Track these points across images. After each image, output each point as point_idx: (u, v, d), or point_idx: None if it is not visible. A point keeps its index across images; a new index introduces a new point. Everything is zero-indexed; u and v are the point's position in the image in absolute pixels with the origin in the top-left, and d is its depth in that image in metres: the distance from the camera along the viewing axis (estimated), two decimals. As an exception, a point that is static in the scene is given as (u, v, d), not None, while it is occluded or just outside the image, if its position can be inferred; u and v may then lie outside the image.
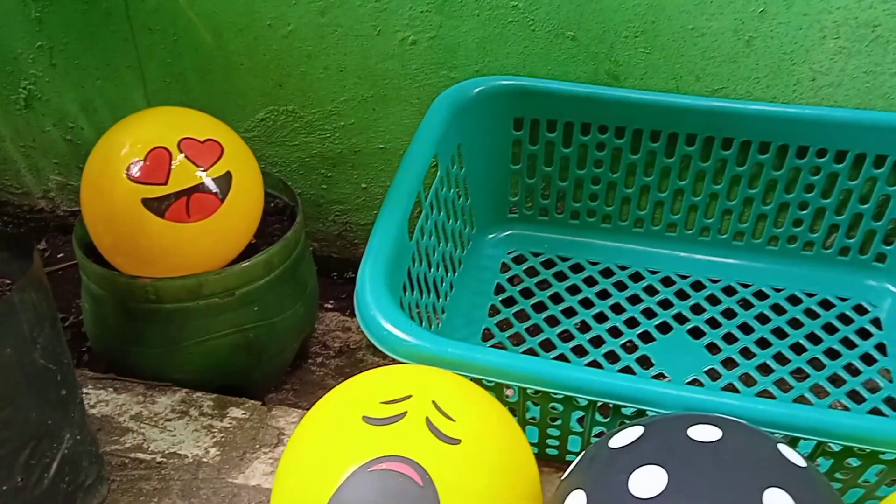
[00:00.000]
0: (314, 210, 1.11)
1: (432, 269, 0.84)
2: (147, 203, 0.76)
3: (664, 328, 0.89)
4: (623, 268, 0.95)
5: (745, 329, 0.88)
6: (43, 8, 1.03)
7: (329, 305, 1.11)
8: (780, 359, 0.85)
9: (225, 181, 0.79)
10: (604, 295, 0.93)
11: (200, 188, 0.77)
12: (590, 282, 0.94)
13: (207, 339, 0.85)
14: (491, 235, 0.99)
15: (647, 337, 0.88)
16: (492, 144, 0.93)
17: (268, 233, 0.94)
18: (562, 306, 0.91)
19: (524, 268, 0.96)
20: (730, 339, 0.87)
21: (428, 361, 0.61)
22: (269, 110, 1.02)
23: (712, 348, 0.86)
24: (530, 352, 0.86)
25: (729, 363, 0.85)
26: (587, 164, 0.93)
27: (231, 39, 0.97)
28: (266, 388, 0.96)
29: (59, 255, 1.22)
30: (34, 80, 1.09)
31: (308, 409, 0.57)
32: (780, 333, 0.87)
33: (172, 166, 0.76)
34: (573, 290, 0.93)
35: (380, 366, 0.61)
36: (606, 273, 0.95)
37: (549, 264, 0.97)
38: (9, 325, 0.63)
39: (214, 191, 0.78)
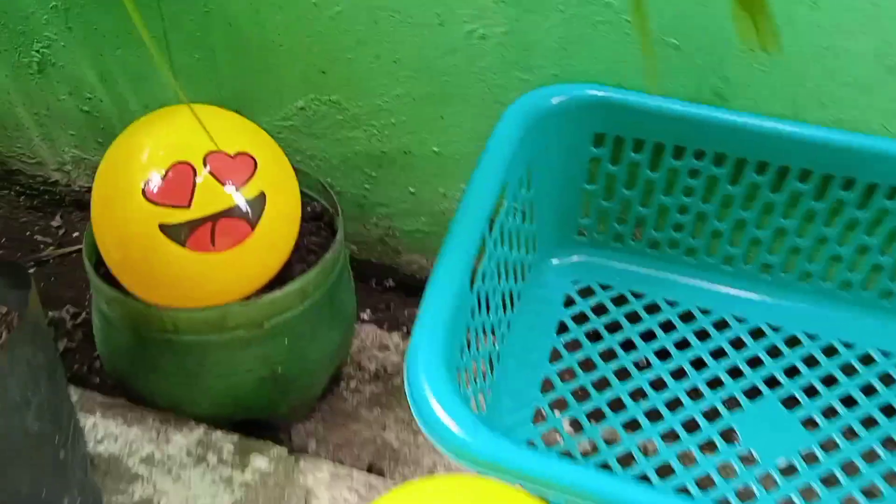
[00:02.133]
0: (355, 211, 0.99)
1: (491, 314, 0.72)
2: (165, 229, 0.65)
3: (752, 393, 0.77)
4: (706, 312, 0.83)
5: (848, 402, 0.76)
6: None
7: (365, 317, 1.01)
8: (891, 444, 0.73)
9: (257, 204, 0.68)
10: (683, 345, 0.81)
11: (228, 213, 0.66)
12: (667, 327, 0.82)
13: (230, 374, 0.75)
14: (555, 261, 0.87)
15: (732, 402, 0.76)
16: (565, 160, 0.80)
17: (302, 246, 0.82)
18: (633, 356, 0.80)
19: (591, 304, 0.84)
20: (830, 413, 0.75)
21: (485, 468, 0.50)
22: (309, 99, 0.90)
23: (810, 423, 0.75)
24: (597, 414, 0.75)
25: (830, 445, 0.73)
26: (675, 191, 0.80)
27: (269, 16, 0.84)
28: (293, 418, 0.86)
29: (75, 235, 1.12)
30: (48, 43, 0.97)
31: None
32: (889, 411, 0.75)
33: (196, 185, 0.65)
34: (647, 335, 0.81)
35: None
36: (686, 317, 0.83)
37: (620, 301, 0.84)
38: (-5, 392, 0.53)
39: (244, 215, 0.67)
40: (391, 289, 1.05)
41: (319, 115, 0.91)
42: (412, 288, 1.04)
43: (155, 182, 0.64)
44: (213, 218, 0.65)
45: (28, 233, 1.12)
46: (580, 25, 0.74)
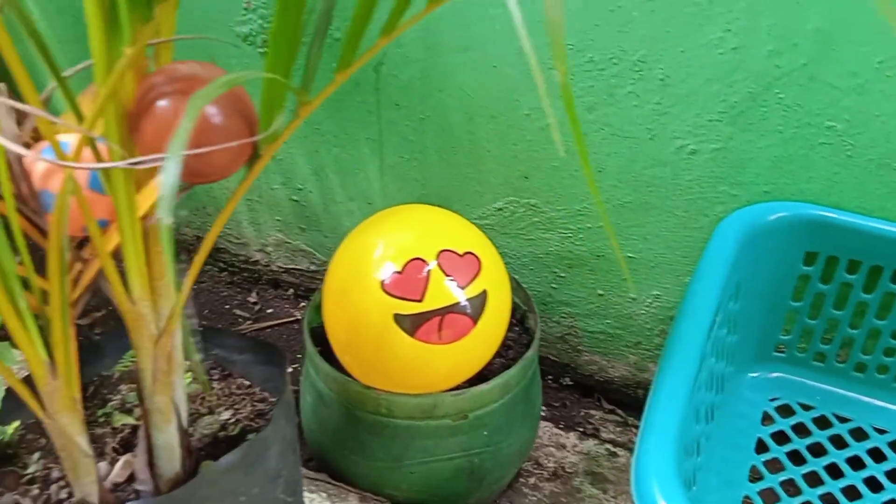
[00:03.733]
0: (538, 307, 1.01)
1: (699, 425, 0.72)
2: (398, 319, 0.69)
3: (981, 538, 0.71)
4: (920, 443, 0.79)
5: None
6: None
7: (542, 413, 1.02)
8: None
9: (480, 301, 0.72)
10: (896, 477, 0.77)
11: (455, 308, 0.70)
12: (877, 455, 0.78)
13: (431, 461, 0.77)
14: (752, 375, 0.86)
15: (957, 546, 0.71)
16: (773, 276, 0.80)
17: (499, 340, 0.85)
18: (842, 483, 0.76)
19: (791, 422, 0.82)
20: None
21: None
22: (509, 201, 0.95)
23: None
24: (805, 541, 0.72)
25: None
26: (890, 315, 0.78)
27: (482, 125, 0.90)
28: (477, 510, 0.87)
29: (269, 311, 1.21)
30: (271, 138, 1.08)
31: None
32: None
33: (429, 282, 0.69)
34: (855, 462, 0.78)
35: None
36: (898, 447, 0.79)
37: (823, 423, 0.82)
38: (259, 462, 0.57)
39: (469, 311, 0.71)
40: (567, 387, 1.05)
41: (516, 217, 0.95)
42: (589, 388, 1.05)
43: (392, 275, 0.70)
44: (442, 312, 0.70)
45: (227, 306, 1.21)
46: (798, 146, 0.75)
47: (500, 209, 0.96)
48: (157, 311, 0.54)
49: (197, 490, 0.54)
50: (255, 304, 1.22)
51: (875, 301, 0.78)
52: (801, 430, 0.81)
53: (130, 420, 0.67)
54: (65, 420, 0.52)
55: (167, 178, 0.28)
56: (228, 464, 0.54)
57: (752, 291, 0.80)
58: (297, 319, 1.18)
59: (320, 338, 0.80)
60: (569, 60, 0.81)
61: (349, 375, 0.76)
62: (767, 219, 0.76)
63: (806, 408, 0.83)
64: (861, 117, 0.71)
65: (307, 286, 1.22)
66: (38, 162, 0.50)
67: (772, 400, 0.84)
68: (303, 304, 1.22)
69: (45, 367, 0.49)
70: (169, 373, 0.55)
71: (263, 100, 0.44)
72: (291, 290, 1.23)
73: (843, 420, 0.82)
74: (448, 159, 0.95)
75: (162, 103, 0.44)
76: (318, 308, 0.89)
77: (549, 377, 1.07)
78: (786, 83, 0.73)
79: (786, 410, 0.83)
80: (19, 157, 0.48)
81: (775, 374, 0.86)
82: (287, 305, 1.21)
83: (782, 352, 0.86)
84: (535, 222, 0.95)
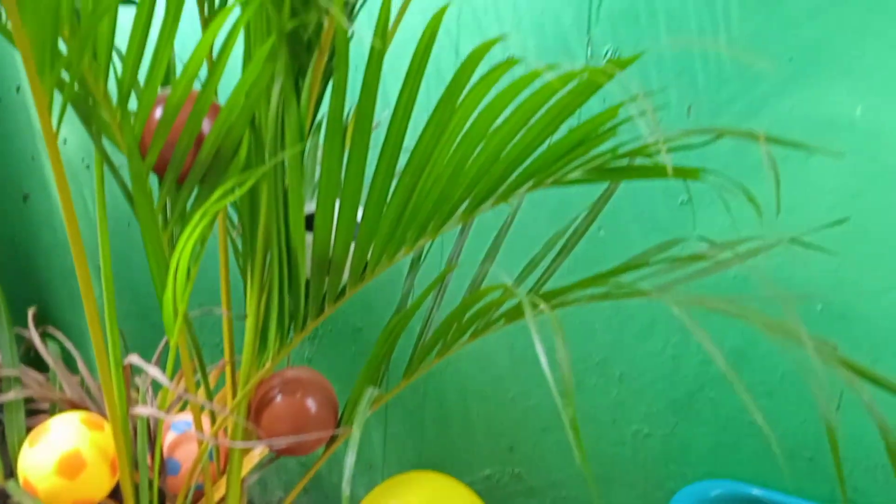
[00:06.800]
0: (519, 571, 1.13)
1: None
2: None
3: None
4: None
5: None
6: (314, 340, 1.21)
7: None
8: None
9: (478, 559, 0.85)
10: None
11: (458, 565, 0.84)
12: None
13: None
14: None
15: None
16: (719, 546, 0.95)
17: None
18: None
19: None
20: None
21: None
22: (495, 469, 1.11)
23: None
24: None
25: None
26: (815, 581, 0.92)
27: (474, 404, 1.09)
28: None
29: (263, 568, 1.29)
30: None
31: None
32: None
33: (437, 540, 0.84)
34: None
35: None
36: None
37: None
38: None
39: (468, 568, 0.84)
40: None
41: (501, 484, 1.11)
42: None
43: (406, 533, 0.84)
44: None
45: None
46: (729, 435, 0.95)
47: (487, 476, 1.12)
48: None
49: None
50: (251, 560, 1.30)
51: (802, 568, 0.93)
52: None
53: None
54: None
55: (350, 458, 0.45)
56: None
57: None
58: (291, 577, 1.26)
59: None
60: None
61: None
62: (709, 495, 0.93)
63: None
64: (772, 416, 0.92)
65: (303, 544, 1.31)
66: (169, 433, 0.67)
67: None
68: (297, 561, 1.30)
69: None
70: None
71: (350, 399, 0.63)
72: (288, 548, 1.32)
73: None
74: (443, 431, 1.13)
75: (278, 399, 0.62)
76: (327, 563, 1.00)
77: None
78: (714, 385, 0.94)
79: None
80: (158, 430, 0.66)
81: None
82: (282, 562, 1.30)
83: None
84: (519, 490, 1.10)
